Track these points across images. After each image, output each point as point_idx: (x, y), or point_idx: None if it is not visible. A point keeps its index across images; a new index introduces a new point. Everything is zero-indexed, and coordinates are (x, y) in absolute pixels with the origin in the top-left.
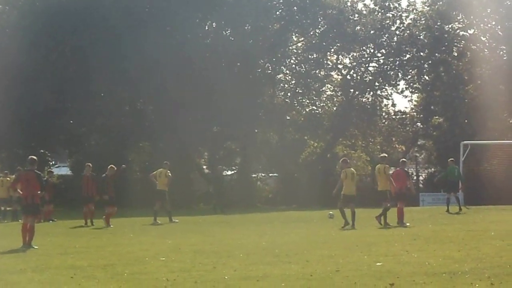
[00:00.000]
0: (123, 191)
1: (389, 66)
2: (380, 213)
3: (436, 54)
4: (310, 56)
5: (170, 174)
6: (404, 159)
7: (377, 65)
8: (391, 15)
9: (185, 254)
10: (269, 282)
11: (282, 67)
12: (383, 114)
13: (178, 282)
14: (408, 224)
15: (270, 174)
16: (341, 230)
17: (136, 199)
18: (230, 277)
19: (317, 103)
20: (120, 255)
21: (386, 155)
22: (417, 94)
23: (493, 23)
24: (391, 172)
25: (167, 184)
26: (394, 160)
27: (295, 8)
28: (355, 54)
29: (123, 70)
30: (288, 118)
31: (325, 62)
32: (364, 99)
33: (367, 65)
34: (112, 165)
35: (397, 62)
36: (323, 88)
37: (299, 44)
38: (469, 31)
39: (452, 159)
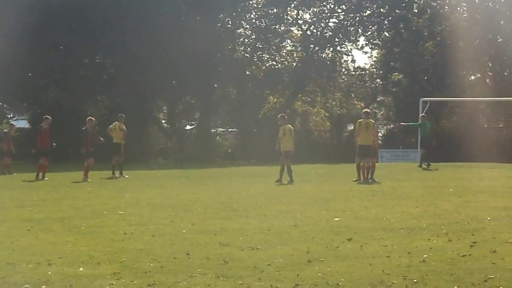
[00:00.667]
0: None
1: (349, 22)
2: (370, 173)
3: (396, 10)
4: (270, 11)
5: (124, 127)
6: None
7: (337, 21)
8: None
9: (143, 208)
10: (227, 236)
11: (242, 22)
12: (343, 70)
13: (136, 236)
14: (371, 180)
15: (230, 129)
16: (300, 186)
17: (95, 152)
18: (187, 230)
19: (277, 58)
20: (77, 208)
21: (369, 110)
22: (377, 51)
23: None
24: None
25: (123, 138)
26: (353, 116)
27: None
28: (315, 10)
29: (81, 23)
30: (247, 73)
31: (285, 17)
32: (324, 55)
33: (327, 20)
34: (90, 117)
35: (357, 18)
36: (283, 44)
37: None
38: None
39: (423, 114)
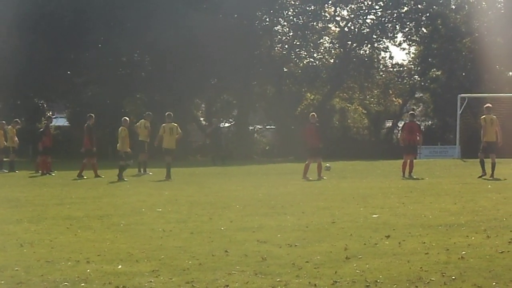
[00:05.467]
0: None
1: (386, 19)
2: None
3: (434, 6)
4: (307, 8)
5: (149, 125)
6: (413, 112)
7: (374, 18)
8: None
9: (182, 205)
10: (265, 233)
11: (279, 19)
12: (381, 66)
13: (175, 233)
14: (415, 176)
15: (267, 126)
16: (338, 183)
17: (134, 150)
18: (226, 228)
19: (314, 55)
20: (116, 206)
21: (491, 105)
22: (414, 47)
23: None
24: (401, 124)
25: (147, 136)
26: (391, 112)
27: None
28: (352, 6)
29: (120, 21)
30: (285, 70)
31: (323, 14)
32: (361, 52)
33: (364, 17)
34: (91, 114)
35: (395, 15)
36: (321, 40)
37: None
38: None
39: None
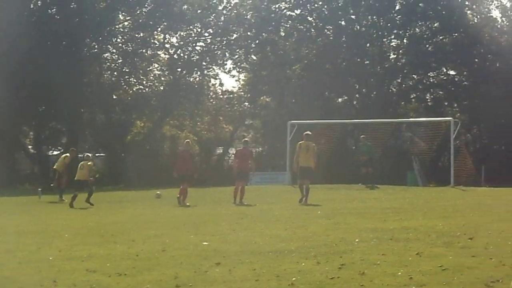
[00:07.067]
0: None
1: (216, 46)
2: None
3: (263, 34)
4: (137, 35)
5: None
6: (246, 139)
7: (204, 45)
8: None
9: (9, 235)
10: (94, 262)
11: (108, 46)
12: (211, 93)
13: (2, 263)
14: (246, 203)
15: (97, 154)
16: (169, 210)
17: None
18: (54, 257)
19: (144, 82)
20: None
21: (310, 132)
22: (244, 74)
23: (320, 3)
24: (235, 151)
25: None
26: (222, 139)
27: None
28: (182, 33)
29: None
30: (114, 97)
31: (152, 41)
32: (191, 79)
33: (194, 44)
34: None
35: (224, 42)
36: (150, 67)
37: (126, 23)
38: (296, 11)
39: (363, 135)
